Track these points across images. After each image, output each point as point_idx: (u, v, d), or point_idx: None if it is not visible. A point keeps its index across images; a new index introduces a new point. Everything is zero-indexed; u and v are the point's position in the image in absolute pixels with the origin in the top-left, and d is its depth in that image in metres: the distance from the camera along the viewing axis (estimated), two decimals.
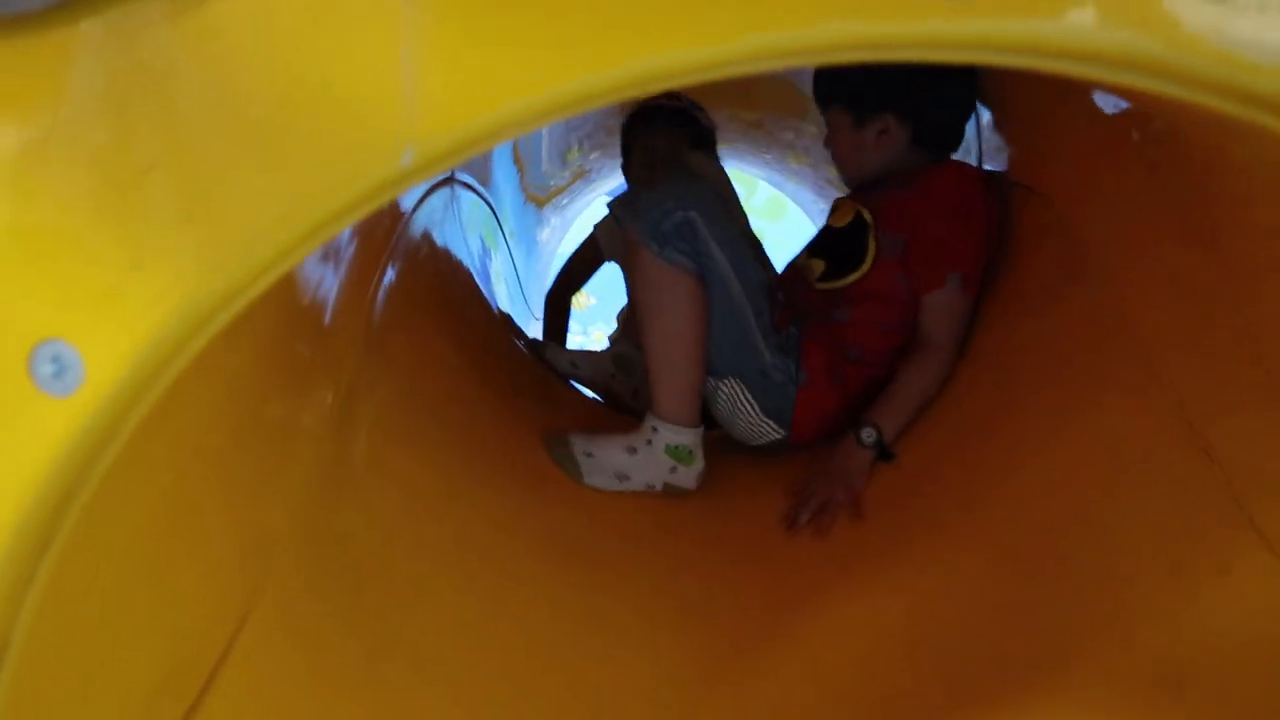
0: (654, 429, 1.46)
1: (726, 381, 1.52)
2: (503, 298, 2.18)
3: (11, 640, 0.50)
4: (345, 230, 1.04)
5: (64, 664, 0.59)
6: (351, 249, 1.08)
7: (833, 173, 1.98)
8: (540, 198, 2.71)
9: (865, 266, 1.54)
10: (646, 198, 1.43)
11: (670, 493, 1.49)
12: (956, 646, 1.12)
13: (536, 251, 2.81)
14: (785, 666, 1.20)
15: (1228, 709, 0.88)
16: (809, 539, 1.36)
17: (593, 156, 2.74)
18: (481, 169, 2.12)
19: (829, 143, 1.68)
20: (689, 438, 1.48)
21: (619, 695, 1.17)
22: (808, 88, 2.18)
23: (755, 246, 1.64)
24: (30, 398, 0.45)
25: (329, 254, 1.01)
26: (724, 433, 1.62)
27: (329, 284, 1.05)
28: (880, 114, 1.58)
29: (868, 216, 1.56)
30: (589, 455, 1.48)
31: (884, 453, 1.41)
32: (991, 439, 1.34)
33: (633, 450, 1.47)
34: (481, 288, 1.96)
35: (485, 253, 2.18)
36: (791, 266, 1.69)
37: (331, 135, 0.47)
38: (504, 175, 2.33)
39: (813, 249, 1.65)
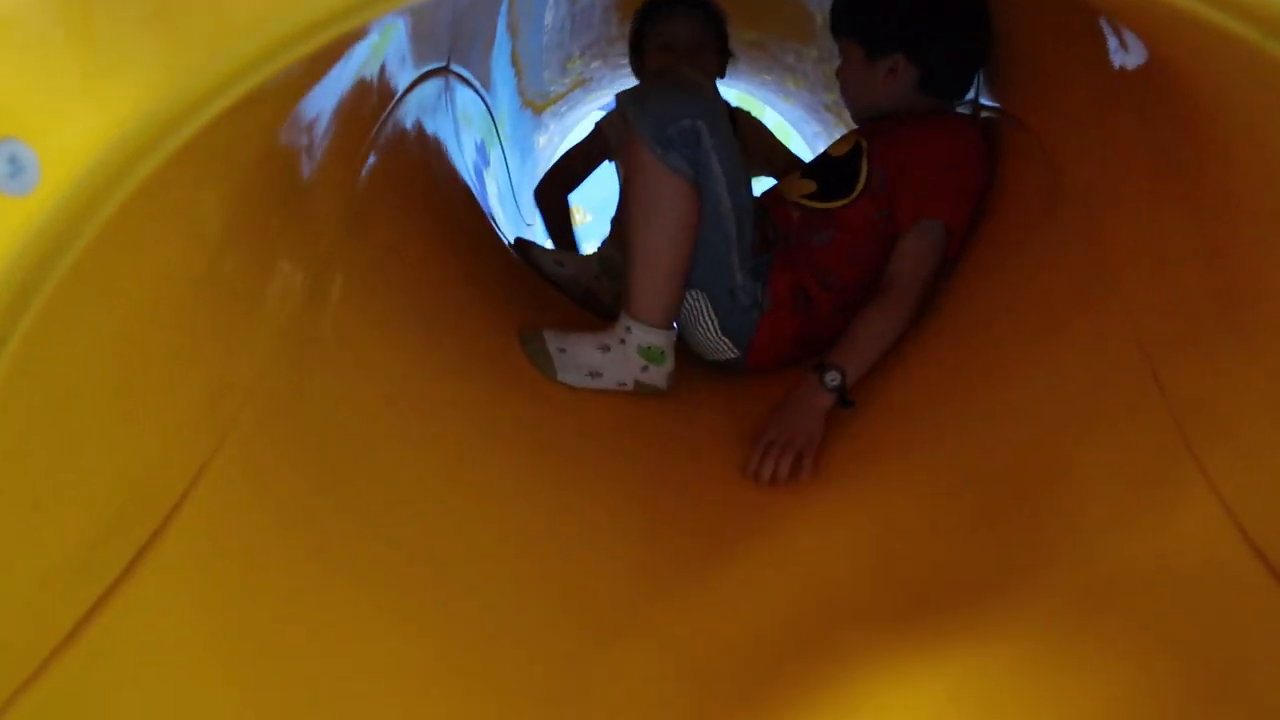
0: (628, 328, 1.48)
1: (693, 293, 1.53)
2: (494, 198, 2.17)
3: None
4: (327, 106, 1.03)
5: (12, 481, 0.61)
6: (333, 127, 1.07)
7: (831, 98, 1.97)
8: (538, 104, 2.68)
9: (854, 193, 1.55)
10: (656, 98, 1.43)
11: (641, 391, 1.51)
12: (919, 561, 1.15)
13: (532, 156, 2.78)
14: (755, 573, 1.23)
15: (1151, 632, 0.91)
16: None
17: (593, 65, 2.71)
18: (480, 67, 2.09)
19: (839, 73, 1.68)
20: (662, 339, 1.49)
21: (588, 591, 1.19)
22: (815, 7, 2.15)
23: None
24: None
25: (307, 129, 1.00)
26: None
27: (306, 159, 1.04)
28: (891, 53, 1.58)
29: (864, 145, 1.58)
30: (562, 351, 1.49)
31: (844, 399, 1.40)
32: (964, 367, 1.36)
33: (606, 348, 1.48)
34: (473, 185, 1.95)
35: (481, 153, 2.16)
36: (773, 189, 1.70)
37: None
38: (502, 78, 2.30)
39: (805, 170, 1.68)
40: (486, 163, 2.20)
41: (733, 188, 1.47)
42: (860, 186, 1.55)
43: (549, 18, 2.45)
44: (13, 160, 0.45)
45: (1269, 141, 0.73)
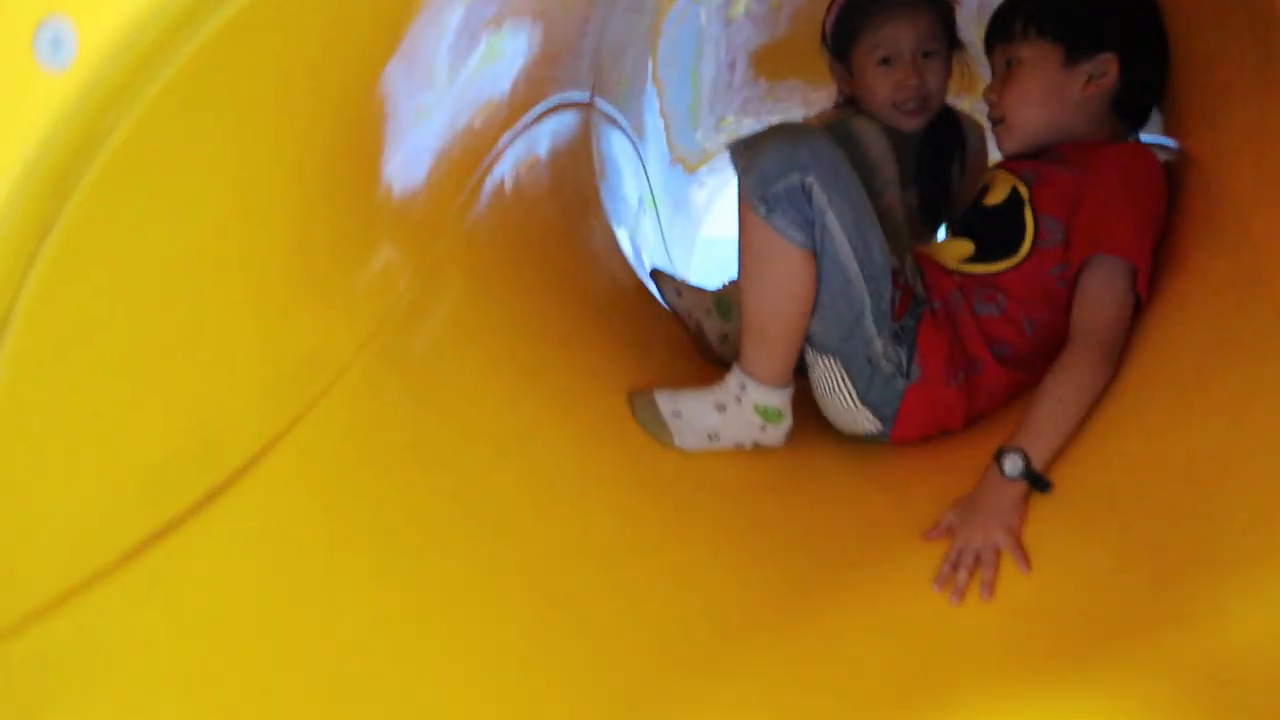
0: (742, 386, 1.36)
1: (826, 359, 1.38)
2: (645, 252, 2.17)
3: (12, 318, 0.53)
4: (444, 116, 1.06)
5: (73, 373, 0.63)
6: (448, 126, 1.11)
7: None
8: (689, 161, 2.72)
9: (1023, 251, 1.35)
10: (762, 149, 1.28)
11: (759, 450, 1.41)
12: (1065, 611, 1.05)
13: (686, 210, 2.81)
14: (873, 612, 1.15)
15: None
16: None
17: (746, 123, 2.73)
18: (633, 115, 2.14)
19: (1006, 90, 1.42)
20: (778, 399, 1.37)
21: (684, 618, 1.15)
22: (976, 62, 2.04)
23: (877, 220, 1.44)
24: (30, 74, 0.48)
25: (409, 107, 1.01)
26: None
27: (415, 165, 1.07)
28: (1101, 50, 1.34)
29: (1024, 192, 1.37)
30: (677, 415, 1.38)
31: (1037, 481, 1.16)
32: (1126, 402, 1.24)
33: (722, 408, 1.37)
34: (624, 237, 1.96)
35: (641, 205, 2.20)
36: (923, 251, 1.50)
37: None
38: (652, 129, 2.35)
39: (959, 228, 1.48)
40: (640, 221, 2.23)
41: (860, 247, 1.30)
42: (1029, 244, 1.35)
43: (698, 75, 2.48)
44: (54, 37, 0.47)
45: None
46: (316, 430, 0.92)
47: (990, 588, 1.09)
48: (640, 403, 1.40)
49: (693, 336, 1.74)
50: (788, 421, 1.39)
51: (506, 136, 1.38)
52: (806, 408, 1.44)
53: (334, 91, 0.77)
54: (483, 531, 1.08)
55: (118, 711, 0.71)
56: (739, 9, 2.41)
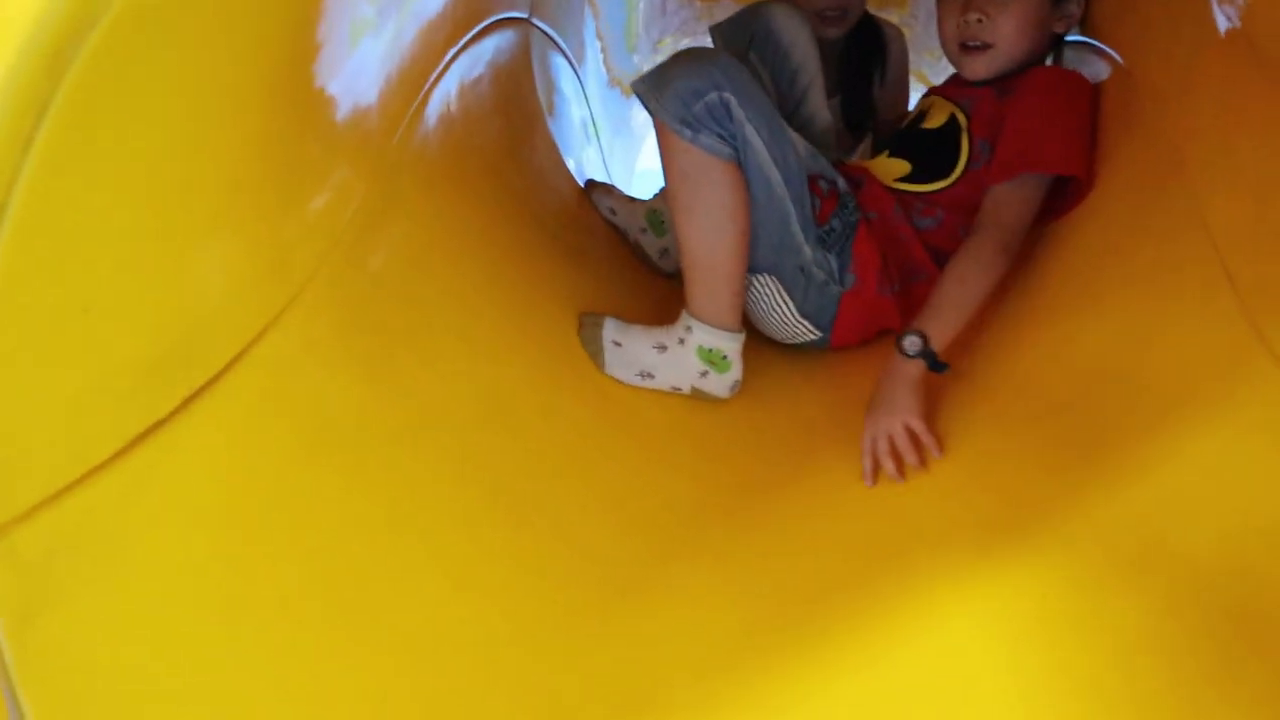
0: (688, 328, 1.34)
1: (760, 278, 1.39)
2: (590, 172, 2.18)
3: (9, 205, 0.55)
4: (388, 33, 1.07)
5: (63, 271, 0.65)
6: (387, 42, 1.11)
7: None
8: (627, 85, 2.72)
9: (956, 173, 1.41)
10: (675, 75, 1.28)
11: (697, 397, 1.39)
12: (998, 488, 1.12)
13: (626, 133, 2.81)
14: (827, 496, 1.22)
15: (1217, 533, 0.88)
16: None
17: (684, 43, 2.74)
18: (572, 37, 2.13)
19: (1001, 17, 1.40)
20: (726, 342, 1.34)
21: (651, 509, 1.20)
22: None
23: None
24: None
25: (354, 53, 1.02)
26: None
27: (363, 81, 1.08)
28: None
29: (962, 119, 1.43)
30: (617, 345, 1.37)
31: (934, 361, 1.23)
32: (1039, 290, 1.32)
33: (662, 348, 1.36)
34: (569, 156, 1.97)
35: (583, 129, 2.19)
36: (858, 167, 1.52)
37: None
38: (590, 52, 2.34)
39: (895, 148, 1.51)
40: (584, 142, 2.23)
41: (778, 154, 1.32)
42: (962, 165, 1.41)
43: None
44: None
45: None
46: (285, 338, 0.94)
47: (902, 473, 1.17)
48: (588, 322, 1.40)
49: (633, 252, 1.76)
50: (735, 372, 1.37)
51: (450, 52, 1.38)
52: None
53: (281, 17, 0.79)
54: (447, 440, 1.11)
55: (117, 597, 0.74)
56: None
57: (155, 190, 0.71)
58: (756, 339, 1.47)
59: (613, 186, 1.88)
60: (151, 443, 0.77)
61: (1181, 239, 1.05)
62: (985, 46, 1.42)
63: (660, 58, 2.71)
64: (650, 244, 1.73)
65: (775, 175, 1.32)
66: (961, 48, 1.45)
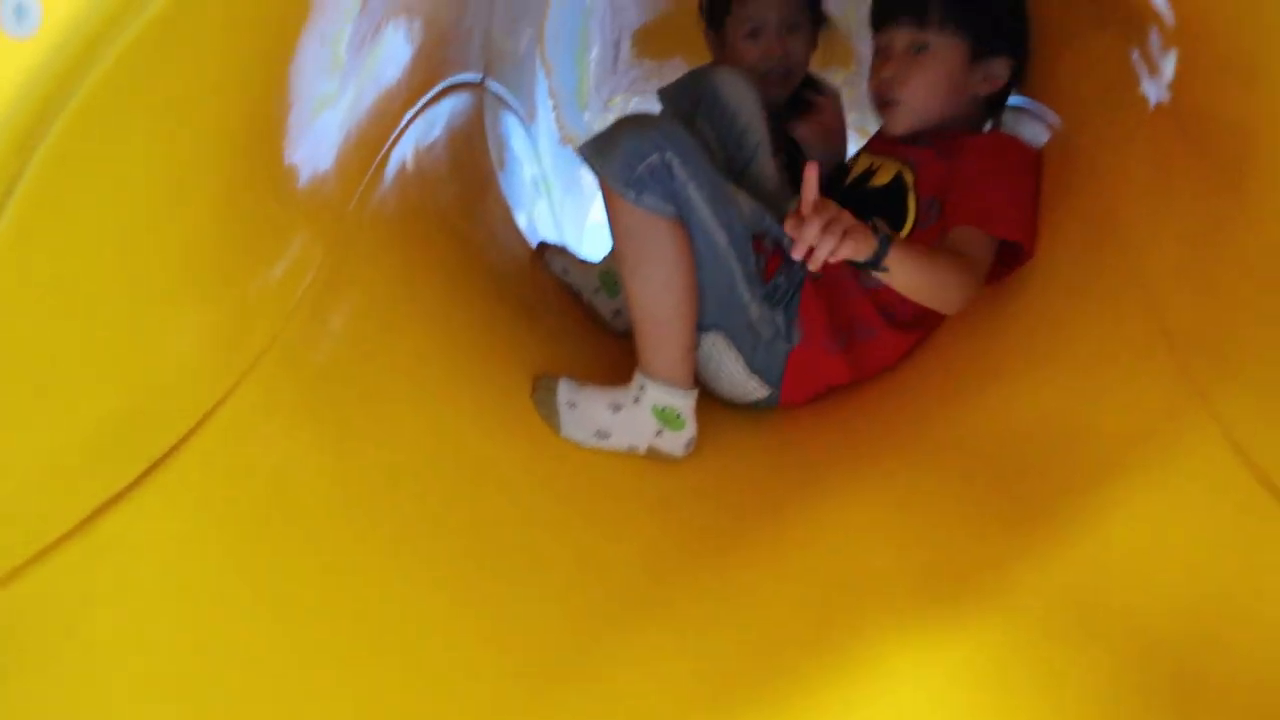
0: (641, 386, 1.35)
1: (710, 336, 1.41)
2: (543, 231, 2.19)
3: None
4: (348, 99, 1.08)
5: (22, 350, 0.65)
6: (347, 107, 1.13)
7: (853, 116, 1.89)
8: (578, 142, 2.76)
9: (904, 231, 1.42)
10: (617, 140, 1.31)
11: (654, 457, 1.38)
12: (941, 540, 1.14)
13: (577, 190, 2.84)
14: (775, 552, 1.22)
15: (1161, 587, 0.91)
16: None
17: (634, 101, 2.78)
18: (524, 99, 2.16)
19: (909, 73, 1.43)
20: (679, 399, 1.35)
21: (599, 570, 1.19)
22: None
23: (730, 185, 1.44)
24: None
25: (312, 89, 1.03)
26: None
27: (322, 148, 1.09)
28: (1000, 54, 1.40)
29: (909, 177, 1.44)
30: (572, 406, 1.37)
31: (878, 257, 1.21)
32: (983, 347, 1.35)
33: (617, 407, 1.35)
34: (522, 217, 1.98)
35: (535, 186, 2.21)
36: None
37: None
38: (542, 110, 2.38)
39: (843, 205, 1.45)
40: (535, 201, 2.25)
41: (721, 212, 1.34)
42: (910, 223, 1.42)
43: (584, 55, 2.52)
44: (18, 6, 0.50)
45: None
46: (244, 404, 0.94)
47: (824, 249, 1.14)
48: (541, 385, 1.40)
49: (587, 313, 1.76)
50: (689, 430, 1.37)
51: (406, 117, 1.40)
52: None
53: (246, 79, 0.80)
54: (406, 505, 1.11)
55: (76, 674, 0.73)
56: None
57: (119, 262, 0.71)
58: (708, 401, 1.48)
59: (565, 248, 1.89)
60: (111, 515, 0.76)
61: (1120, 300, 1.09)
62: (897, 102, 1.45)
63: (611, 115, 2.76)
64: (604, 304, 1.74)
65: (719, 234, 1.35)
66: (880, 102, 1.49)
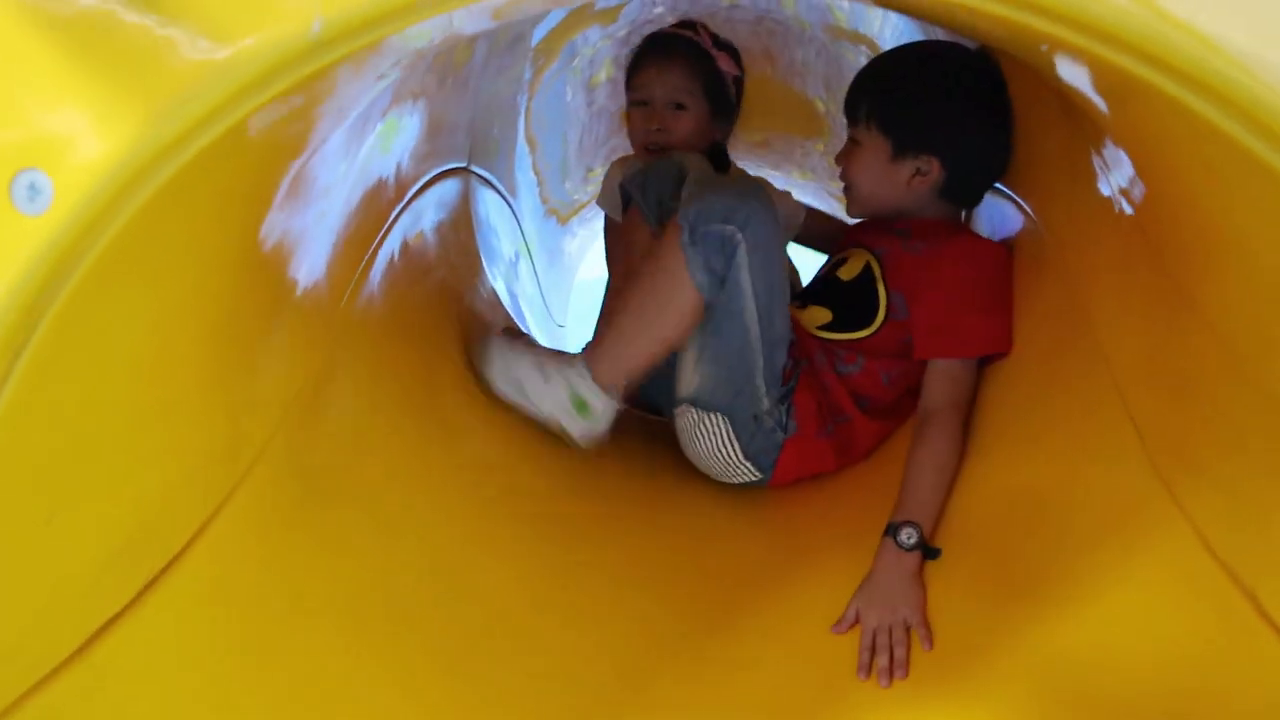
0: (580, 374, 1.38)
1: (713, 416, 1.44)
2: (524, 304, 2.23)
3: None
4: (333, 181, 1.12)
5: (29, 493, 0.67)
6: (344, 206, 1.16)
7: (837, 185, 1.96)
8: (562, 213, 2.80)
9: (876, 323, 1.46)
10: (715, 191, 1.37)
11: (562, 437, 1.41)
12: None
13: (561, 261, 2.88)
14: (758, 644, 1.23)
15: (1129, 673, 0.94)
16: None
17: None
18: (506, 175, 2.20)
19: (848, 164, 1.53)
20: (598, 402, 1.38)
21: (586, 662, 1.19)
22: (816, 95, 2.15)
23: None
24: (8, 216, 0.53)
25: (310, 199, 1.06)
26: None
27: (315, 230, 1.10)
28: (924, 153, 1.45)
29: (876, 269, 1.48)
30: (503, 356, 1.42)
31: (929, 551, 1.22)
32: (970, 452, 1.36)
33: (542, 369, 1.39)
34: (505, 293, 2.01)
35: (514, 263, 2.25)
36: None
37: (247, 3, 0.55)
38: (525, 186, 2.42)
39: (815, 296, 1.56)
40: (516, 273, 2.28)
41: (764, 313, 1.37)
42: (881, 317, 1.45)
43: (566, 130, 2.57)
44: (32, 185, 0.53)
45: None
46: (238, 516, 0.95)
47: (904, 667, 1.12)
48: (480, 339, 1.45)
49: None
50: (599, 427, 1.40)
51: (394, 212, 1.43)
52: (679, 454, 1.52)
53: (244, 223, 0.83)
54: (401, 610, 1.11)
55: None
56: (600, 77, 2.52)
57: (121, 393, 0.74)
58: (698, 477, 1.52)
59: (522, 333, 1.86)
60: (108, 638, 0.78)
61: (1090, 388, 1.12)
62: (847, 186, 1.55)
63: (593, 186, 2.81)
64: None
65: (755, 330, 1.39)
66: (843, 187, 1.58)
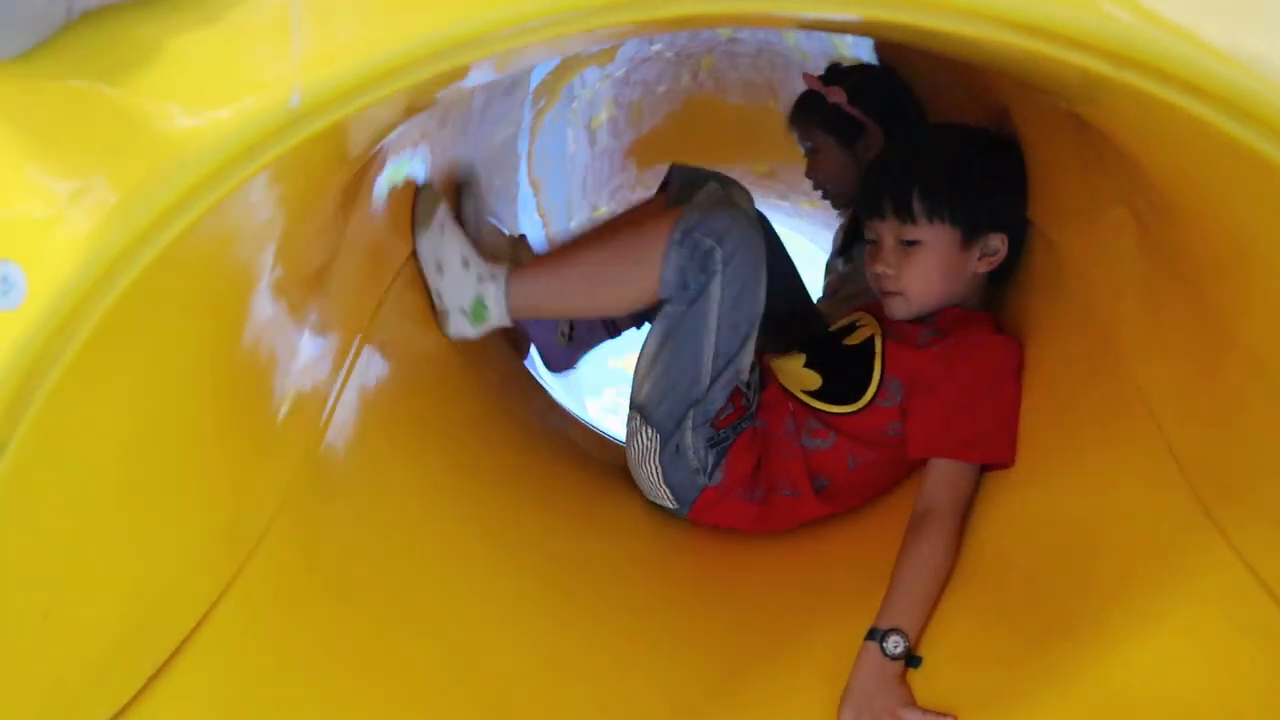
0: (494, 277, 1.39)
1: (648, 430, 1.41)
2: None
3: None
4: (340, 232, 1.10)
5: (21, 589, 0.64)
6: (351, 255, 1.14)
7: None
8: None
9: (863, 402, 1.38)
10: (718, 207, 1.36)
11: (441, 326, 1.45)
12: (957, 683, 1.12)
13: None
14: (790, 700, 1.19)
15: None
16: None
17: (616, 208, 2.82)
18: (510, 219, 2.19)
19: (904, 269, 1.37)
20: (494, 319, 1.41)
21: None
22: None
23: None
24: None
25: (317, 250, 1.03)
26: None
27: (321, 280, 1.09)
28: (996, 230, 1.36)
29: (879, 345, 1.40)
30: (441, 229, 1.40)
31: (912, 660, 1.15)
32: (994, 487, 1.32)
33: (466, 264, 1.40)
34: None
35: None
36: (769, 363, 1.50)
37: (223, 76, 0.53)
38: (530, 226, 2.41)
39: (810, 356, 1.48)
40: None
41: (722, 346, 1.34)
42: (869, 397, 1.38)
43: (570, 172, 2.57)
44: (4, 279, 0.50)
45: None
46: (240, 604, 0.91)
47: None
48: (428, 195, 1.42)
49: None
50: (473, 334, 1.43)
51: (405, 258, 1.42)
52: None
53: (234, 293, 0.81)
54: (414, 704, 1.07)
55: None
56: (601, 118, 2.52)
57: (118, 485, 0.71)
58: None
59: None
60: None
61: (1122, 416, 1.08)
62: (896, 294, 1.40)
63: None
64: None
65: (707, 360, 1.36)
66: (880, 293, 1.43)
